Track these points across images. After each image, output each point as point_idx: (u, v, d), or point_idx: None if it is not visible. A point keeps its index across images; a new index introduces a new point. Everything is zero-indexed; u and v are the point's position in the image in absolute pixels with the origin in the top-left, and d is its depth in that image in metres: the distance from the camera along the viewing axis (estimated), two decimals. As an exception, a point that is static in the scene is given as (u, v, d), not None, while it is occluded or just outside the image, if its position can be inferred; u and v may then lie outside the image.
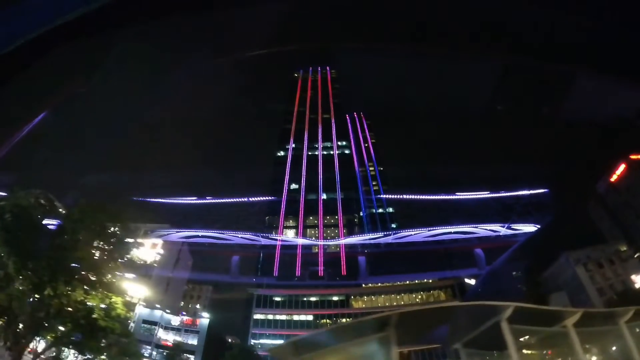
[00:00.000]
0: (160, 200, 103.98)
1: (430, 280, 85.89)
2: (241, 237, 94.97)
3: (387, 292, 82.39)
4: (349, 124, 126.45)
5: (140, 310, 72.29)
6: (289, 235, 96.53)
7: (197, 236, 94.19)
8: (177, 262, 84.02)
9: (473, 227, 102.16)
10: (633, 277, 66.97)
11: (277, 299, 77.57)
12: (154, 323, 72.91)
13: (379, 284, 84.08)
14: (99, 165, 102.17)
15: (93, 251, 27.96)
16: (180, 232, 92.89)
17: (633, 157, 78.51)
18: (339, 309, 78.06)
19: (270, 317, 74.65)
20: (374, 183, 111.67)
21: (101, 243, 28.16)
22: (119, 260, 28.97)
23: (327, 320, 75.95)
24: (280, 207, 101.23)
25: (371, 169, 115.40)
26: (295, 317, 75.51)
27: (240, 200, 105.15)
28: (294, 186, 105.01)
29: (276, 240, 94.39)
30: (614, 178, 80.00)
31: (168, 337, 72.62)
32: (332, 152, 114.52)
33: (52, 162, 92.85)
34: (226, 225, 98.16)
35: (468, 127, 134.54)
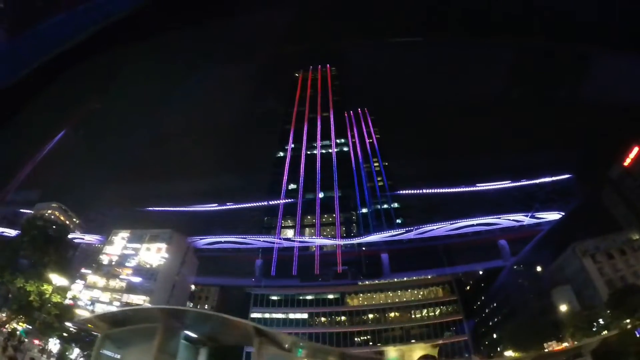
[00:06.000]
0: (181, 208, 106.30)
1: (430, 277, 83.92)
2: (263, 241, 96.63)
3: (384, 289, 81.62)
4: (354, 120, 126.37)
5: (146, 311, 77.55)
6: (305, 235, 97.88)
7: (220, 242, 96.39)
8: (183, 265, 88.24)
9: (496, 218, 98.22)
10: None
11: (274, 297, 79.42)
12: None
13: (376, 281, 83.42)
14: (120, 177, 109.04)
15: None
16: (204, 239, 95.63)
17: None
18: (333, 307, 78.50)
19: (267, 315, 76.74)
20: (379, 179, 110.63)
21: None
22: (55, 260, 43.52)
23: (323, 318, 76.84)
24: (287, 208, 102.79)
25: (376, 165, 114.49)
26: (291, 316, 77.02)
27: (259, 204, 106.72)
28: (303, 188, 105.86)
29: (295, 241, 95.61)
30: (627, 162, 74.87)
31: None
32: (343, 149, 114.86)
33: (74, 176, 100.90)
34: (247, 229, 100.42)
35: (484, 116, 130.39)
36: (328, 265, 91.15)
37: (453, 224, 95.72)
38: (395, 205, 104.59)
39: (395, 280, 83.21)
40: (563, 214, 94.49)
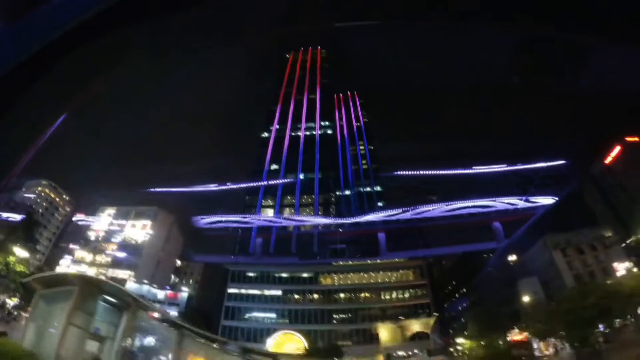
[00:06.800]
0: (182, 189, 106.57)
1: (403, 260, 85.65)
2: (262, 220, 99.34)
3: (357, 270, 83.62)
4: (343, 103, 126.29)
5: (130, 285, 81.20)
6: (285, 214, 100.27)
7: (221, 221, 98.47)
8: (168, 241, 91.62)
9: (491, 200, 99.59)
10: (615, 264, 62.13)
11: (251, 274, 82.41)
12: (142, 297, 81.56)
13: (349, 262, 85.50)
14: (122, 160, 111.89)
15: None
16: (205, 218, 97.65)
17: (629, 139, 73.09)
18: (307, 285, 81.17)
19: (243, 291, 79.98)
20: (363, 162, 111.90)
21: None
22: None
23: (296, 296, 79.78)
24: (267, 188, 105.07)
25: (365, 147, 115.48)
26: (267, 292, 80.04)
27: (259, 184, 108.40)
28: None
29: (295, 220, 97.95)
30: (608, 160, 74.44)
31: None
32: (328, 132, 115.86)
33: (76, 160, 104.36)
34: (231, 209, 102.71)
35: (483, 101, 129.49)
36: (325, 244, 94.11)
37: (449, 205, 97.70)
38: (378, 188, 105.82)
39: (369, 262, 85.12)
40: (557, 199, 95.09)
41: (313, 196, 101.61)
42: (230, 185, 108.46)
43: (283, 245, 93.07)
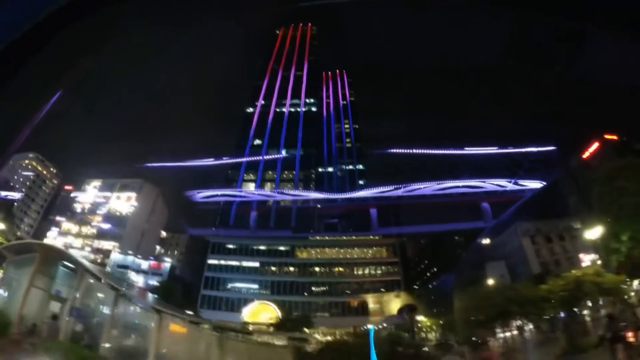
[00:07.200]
0: (179, 164, 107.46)
1: (377, 238, 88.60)
2: (258, 194, 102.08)
3: (332, 245, 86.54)
4: (331, 81, 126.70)
5: (115, 256, 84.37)
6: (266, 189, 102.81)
7: (217, 195, 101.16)
8: (153, 213, 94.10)
9: (480, 181, 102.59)
10: (581, 255, 64.34)
11: (230, 246, 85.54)
12: (127, 267, 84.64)
13: (326, 237, 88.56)
14: (117, 136, 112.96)
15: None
16: (202, 192, 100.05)
17: (607, 136, 73.98)
18: (284, 258, 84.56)
19: (222, 262, 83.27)
20: (347, 140, 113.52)
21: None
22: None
23: (273, 268, 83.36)
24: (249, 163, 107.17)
25: (350, 126, 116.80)
26: (244, 263, 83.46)
27: (256, 158, 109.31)
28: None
29: (291, 195, 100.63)
30: (586, 155, 75.97)
31: (138, 279, 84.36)
32: (312, 109, 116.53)
33: (72, 137, 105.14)
34: (214, 183, 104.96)
35: (475, 83, 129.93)
36: (320, 218, 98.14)
37: (440, 183, 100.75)
38: (360, 166, 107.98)
39: (344, 237, 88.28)
40: (545, 183, 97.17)
41: (294, 172, 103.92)
42: (226, 160, 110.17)
43: (265, 221, 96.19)
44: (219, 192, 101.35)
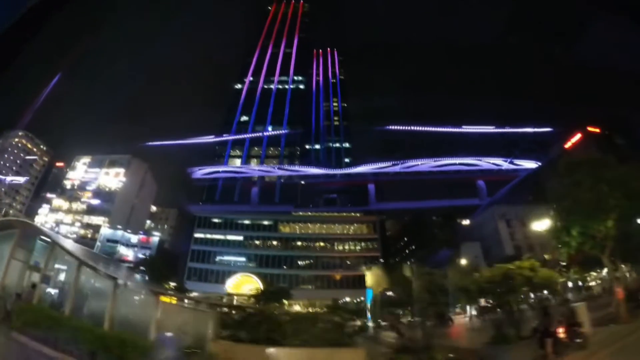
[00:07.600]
0: (179, 142, 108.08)
1: (359, 215, 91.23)
2: (259, 170, 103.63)
3: (314, 221, 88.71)
4: (322, 59, 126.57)
5: (104, 231, 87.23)
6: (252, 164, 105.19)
7: (218, 172, 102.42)
8: (142, 189, 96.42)
9: (477, 159, 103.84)
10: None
11: (215, 220, 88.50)
12: (116, 241, 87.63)
13: (309, 213, 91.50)
14: (116, 116, 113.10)
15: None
16: (203, 169, 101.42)
17: (590, 129, 76.04)
18: (267, 232, 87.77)
19: (208, 236, 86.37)
20: (335, 118, 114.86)
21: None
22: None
23: (257, 242, 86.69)
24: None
25: (339, 104, 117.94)
26: (229, 237, 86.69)
27: (256, 135, 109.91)
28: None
29: (290, 171, 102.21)
30: (568, 145, 77.45)
31: (128, 253, 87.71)
32: (300, 87, 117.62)
33: (71, 118, 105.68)
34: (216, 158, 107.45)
35: (474, 62, 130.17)
36: (320, 194, 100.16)
37: (437, 160, 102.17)
38: (347, 144, 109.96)
39: (326, 213, 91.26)
40: (540, 163, 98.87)
41: (279, 148, 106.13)
42: (213, 139, 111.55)
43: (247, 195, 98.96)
44: (220, 169, 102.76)
